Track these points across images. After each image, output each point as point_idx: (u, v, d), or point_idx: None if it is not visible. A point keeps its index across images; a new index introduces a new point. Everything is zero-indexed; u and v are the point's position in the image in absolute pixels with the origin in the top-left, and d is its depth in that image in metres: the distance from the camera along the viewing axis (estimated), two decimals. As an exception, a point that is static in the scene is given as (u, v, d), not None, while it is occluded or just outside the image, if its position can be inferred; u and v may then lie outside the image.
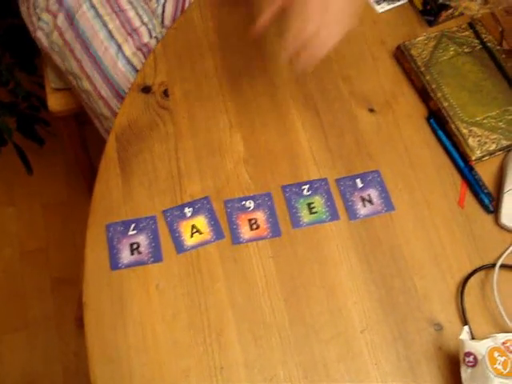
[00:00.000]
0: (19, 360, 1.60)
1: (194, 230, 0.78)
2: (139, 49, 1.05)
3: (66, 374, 1.59)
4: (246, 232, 0.78)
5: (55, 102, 1.27)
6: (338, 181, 0.83)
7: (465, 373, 0.67)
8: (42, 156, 1.80)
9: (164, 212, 0.79)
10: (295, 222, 0.80)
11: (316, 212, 0.80)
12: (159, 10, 1.16)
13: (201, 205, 0.80)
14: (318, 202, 0.81)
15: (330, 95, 0.90)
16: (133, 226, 0.78)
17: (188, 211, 0.80)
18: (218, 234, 0.78)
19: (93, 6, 1.07)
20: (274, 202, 0.81)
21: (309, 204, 0.81)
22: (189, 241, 0.78)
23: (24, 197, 1.81)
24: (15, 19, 1.60)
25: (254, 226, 0.79)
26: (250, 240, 0.78)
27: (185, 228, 0.79)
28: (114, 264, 0.76)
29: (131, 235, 0.78)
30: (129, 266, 0.76)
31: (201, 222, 0.79)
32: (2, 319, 1.65)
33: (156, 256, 0.76)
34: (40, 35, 1.15)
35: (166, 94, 0.88)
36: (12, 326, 1.64)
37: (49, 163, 1.84)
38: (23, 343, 1.61)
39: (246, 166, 0.83)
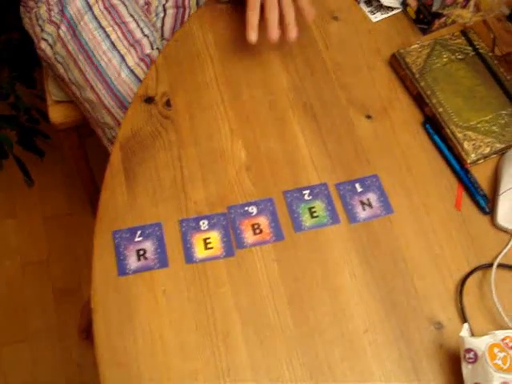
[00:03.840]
0: (22, 372, 1.60)
1: (207, 244, 0.80)
2: (142, 59, 1.07)
3: (69, 384, 1.60)
4: (249, 237, 0.80)
5: (56, 114, 1.29)
6: (337, 185, 0.85)
7: (466, 369, 0.69)
8: (43, 168, 1.82)
9: (180, 221, 0.81)
10: (297, 226, 0.82)
11: (317, 216, 0.82)
12: (158, 24, 1.18)
13: (217, 220, 0.82)
14: (319, 206, 0.83)
15: (328, 103, 0.92)
16: (139, 232, 0.80)
17: (203, 224, 0.81)
18: (228, 251, 0.80)
19: (95, 18, 1.09)
20: (276, 207, 0.83)
21: (310, 208, 0.83)
22: (199, 253, 0.79)
23: (25, 209, 1.82)
24: (13, 33, 1.63)
25: (258, 231, 0.81)
26: (254, 244, 0.80)
27: (197, 240, 0.80)
28: (122, 270, 0.78)
29: (137, 241, 0.79)
30: (136, 271, 0.78)
31: (214, 236, 0.81)
32: (5, 331, 1.65)
33: (162, 262, 0.78)
34: (44, 46, 1.17)
35: (168, 104, 0.90)
36: (14, 337, 1.65)
37: (49, 175, 1.86)
38: (26, 355, 1.62)
39: (248, 173, 0.85)
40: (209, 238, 0.81)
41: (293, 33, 0.89)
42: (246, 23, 0.89)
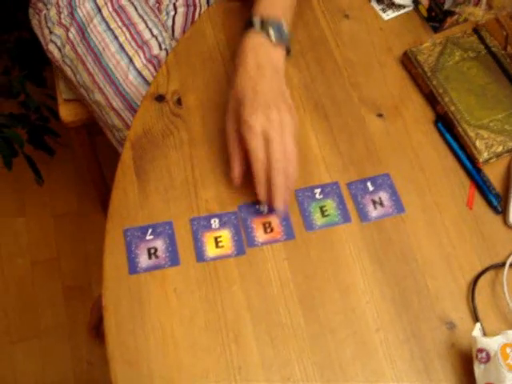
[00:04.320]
0: (32, 369, 1.62)
1: (218, 243, 0.80)
2: (149, 61, 1.07)
3: (78, 382, 1.60)
4: (260, 235, 0.80)
5: (67, 113, 1.30)
6: (349, 184, 0.85)
7: (478, 369, 0.68)
8: (53, 166, 1.82)
9: (191, 220, 0.81)
10: (308, 224, 0.81)
11: (328, 215, 0.82)
12: (169, 23, 1.18)
13: (228, 219, 0.82)
14: (330, 205, 0.83)
15: (340, 101, 0.92)
16: (150, 230, 0.80)
17: (214, 223, 0.81)
18: (239, 249, 0.80)
19: (104, 20, 1.09)
20: (287, 206, 0.82)
21: (321, 207, 0.83)
22: (210, 252, 0.79)
23: (35, 207, 1.83)
24: (23, 32, 1.63)
25: (269, 230, 0.81)
26: (265, 243, 0.80)
27: (208, 239, 0.80)
28: (133, 268, 0.78)
29: (148, 240, 0.80)
30: (147, 270, 0.78)
31: (225, 235, 0.81)
32: (15, 329, 1.67)
33: (173, 260, 0.78)
34: (52, 48, 1.17)
35: (179, 102, 0.90)
36: (25, 335, 1.66)
37: (59, 173, 1.86)
38: (36, 352, 1.63)
39: (259, 171, 0.85)
40: (220, 237, 0.81)
41: (290, 196, 0.81)
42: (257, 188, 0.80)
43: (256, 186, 0.80)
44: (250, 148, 0.78)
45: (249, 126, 0.78)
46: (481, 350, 0.68)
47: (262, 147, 0.78)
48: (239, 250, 0.79)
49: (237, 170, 0.81)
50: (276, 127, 0.78)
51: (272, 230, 0.81)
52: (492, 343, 0.68)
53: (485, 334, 0.73)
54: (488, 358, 0.68)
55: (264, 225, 0.81)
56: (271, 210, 0.81)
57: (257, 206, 0.82)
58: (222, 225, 0.81)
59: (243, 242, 0.80)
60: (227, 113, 0.83)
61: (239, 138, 0.80)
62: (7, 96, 1.64)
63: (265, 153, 0.78)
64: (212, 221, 0.82)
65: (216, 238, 0.80)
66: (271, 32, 0.84)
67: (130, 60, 1.07)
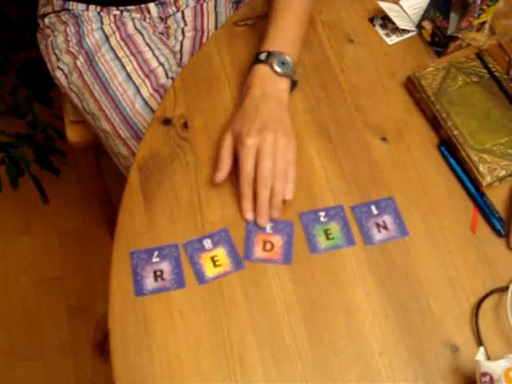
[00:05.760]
0: (35, 387, 1.61)
1: (215, 262, 0.81)
2: (156, 90, 1.08)
3: (81, 401, 1.60)
4: (259, 250, 0.82)
5: (74, 134, 1.31)
6: (353, 208, 0.86)
7: (481, 393, 0.69)
8: (58, 185, 1.83)
9: (184, 245, 0.82)
10: (312, 247, 0.82)
11: (333, 238, 0.83)
12: (177, 47, 1.20)
13: (219, 237, 0.83)
14: (335, 228, 0.84)
15: (344, 125, 0.93)
16: (156, 253, 0.81)
17: (207, 243, 0.82)
18: (236, 264, 0.81)
19: (112, 49, 1.10)
20: (292, 229, 0.83)
21: (325, 230, 0.83)
22: (209, 272, 0.80)
23: (40, 226, 1.84)
24: (30, 52, 1.65)
25: (268, 247, 0.82)
26: (263, 260, 0.81)
27: (205, 260, 0.81)
28: (139, 290, 0.78)
29: (155, 262, 0.80)
30: (153, 292, 0.78)
31: (220, 253, 0.82)
32: (19, 347, 1.66)
33: (179, 282, 0.79)
34: (59, 75, 1.18)
35: (185, 125, 0.92)
36: (28, 353, 1.65)
37: (64, 192, 1.87)
38: (39, 371, 1.63)
39: (264, 194, 0.86)
40: (216, 256, 0.81)
41: (277, 213, 0.84)
42: (240, 201, 0.84)
43: (240, 198, 0.84)
44: (241, 158, 0.84)
45: (244, 141, 0.83)
46: (484, 374, 0.69)
47: (251, 161, 0.83)
48: (237, 265, 0.80)
49: (224, 172, 0.85)
50: (269, 145, 0.83)
51: (272, 249, 0.82)
52: (495, 367, 0.68)
53: (488, 358, 0.73)
54: (491, 382, 0.68)
55: (264, 242, 0.82)
56: (276, 232, 0.83)
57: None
58: (215, 243, 0.82)
59: (239, 256, 0.81)
60: (228, 130, 0.87)
61: (233, 150, 0.86)
62: (14, 116, 1.66)
63: (253, 167, 0.83)
64: (204, 242, 0.82)
65: (212, 258, 0.81)
66: (275, 65, 0.90)
67: (137, 89, 1.08)
